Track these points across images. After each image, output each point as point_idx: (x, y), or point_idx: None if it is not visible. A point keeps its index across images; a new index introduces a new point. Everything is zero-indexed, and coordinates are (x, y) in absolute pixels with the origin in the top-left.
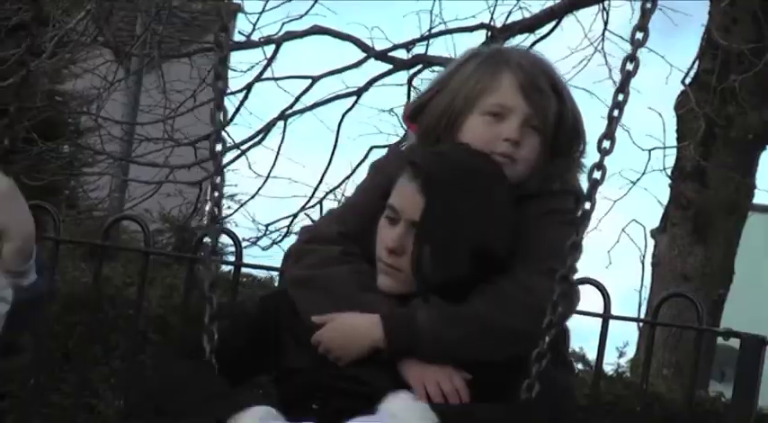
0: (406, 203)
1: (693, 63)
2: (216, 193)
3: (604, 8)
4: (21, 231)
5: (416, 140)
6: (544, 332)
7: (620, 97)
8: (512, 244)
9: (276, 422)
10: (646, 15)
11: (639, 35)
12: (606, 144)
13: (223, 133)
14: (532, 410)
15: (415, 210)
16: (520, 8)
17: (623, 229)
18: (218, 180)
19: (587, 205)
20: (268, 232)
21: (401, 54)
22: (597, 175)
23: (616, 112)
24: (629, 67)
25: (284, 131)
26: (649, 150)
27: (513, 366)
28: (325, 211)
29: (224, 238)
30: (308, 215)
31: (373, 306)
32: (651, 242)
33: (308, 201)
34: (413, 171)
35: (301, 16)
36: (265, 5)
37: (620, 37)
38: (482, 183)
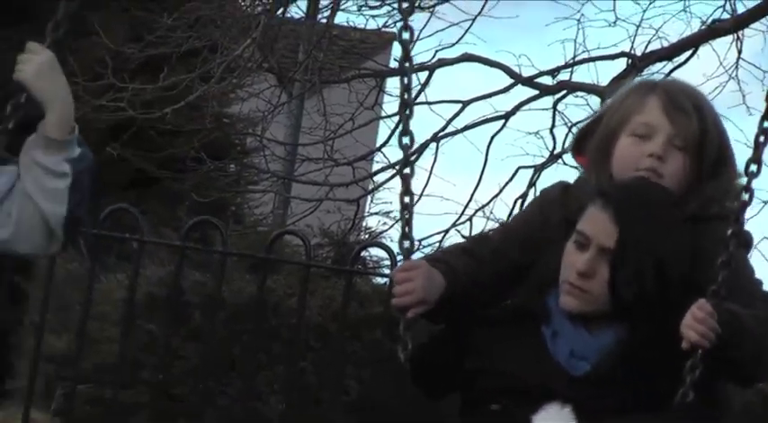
0: (598, 231)
1: None
2: (406, 213)
3: (738, 37)
4: (62, 100)
5: (586, 172)
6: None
7: (766, 124)
8: (689, 264)
9: None
10: None
11: None
12: (753, 167)
13: (393, 154)
14: (681, 419)
15: (608, 237)
16: (659, 37)
17: (755, 246)
18: (407, 199)
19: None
20: (421, 247)
21: (547, 80)
22: (745, 196)
23: (762, 138)
24: None
25: (436, 152)
26: None
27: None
28: (474, 228)
29: (381, 253)
30: (458, 231)
31: (555, 332)
32: None
33: (459, 217)
34: (604, 201)
35: (453, 44)
36: (419, 34)
37: (754, 65)
38: (665, 212)
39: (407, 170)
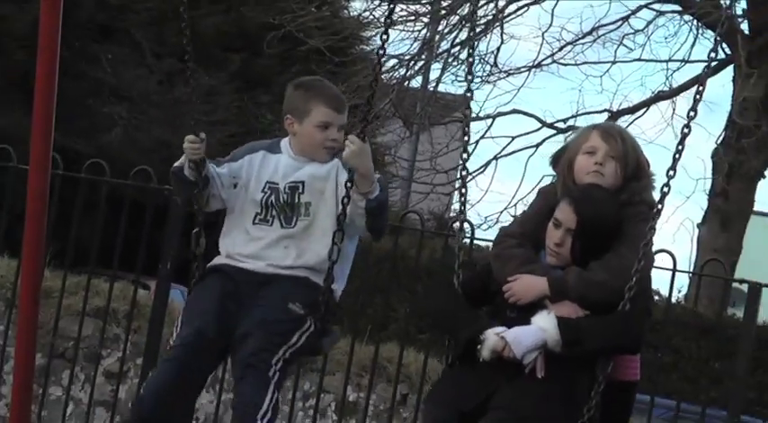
0: (566, 218)
1: (723, 131)
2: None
3: (673, 100)
4: (364, 168)
5: (558, 181)
6: (634, 276)
7: (680, 147)
8: (618, 234)
9: (502, 329)
10: (696, 104)
11: (692, 114)
12: (671, 173)
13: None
14: (618, 320)
15: (572, 222)
16: (626, 100)
17: (682, 223)
18: (461, 206)
19: (659, 208)
20: (485, 221)
21: (560, 124)
22: (666, 190)
23: (677, 156)
24: (686, 130)
25: (495, 166)
26: (697, 179)
27: (613, 306)
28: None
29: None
30: (509, 212)
31: (536, 272)
32: (696, 231)
33: (507, 206)
34: (569, 199)
35: (506, 103)
36: (487, 96)
37: (681, 117)
38: (607, 206)
39: (464, 189)
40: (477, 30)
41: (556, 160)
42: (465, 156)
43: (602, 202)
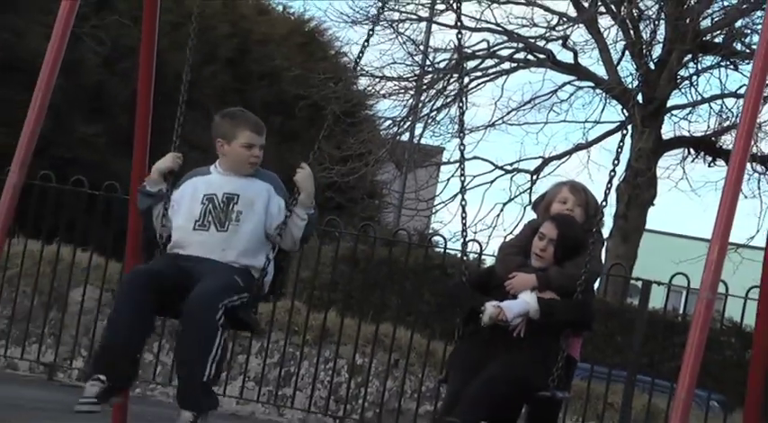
0: (549, 232)
1: (624, 172)
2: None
3: (589, 150)
4: (309, 189)
5: (538, 216)
6: (584, 278)
7: (609, 186)
8: (582, 247)
9: (497, 302)
10: (619, 156)
11: (615, 163)
12: (604, 203)
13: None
14: (578, 303)
15: (553, 234)
16: (554, 149)
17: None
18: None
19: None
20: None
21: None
22: (601, 216)
23: (607, 191)
24: (612, 174)
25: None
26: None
27: (577, 292)
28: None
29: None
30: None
31: (527, 271)
32: (605, 243)
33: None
34: (552, 220)
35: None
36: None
37: (594, 162)
38: (576, 227)
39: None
40: (448, 99)
41: (536, 205)
42: (462, 183)
43: (573, 223)
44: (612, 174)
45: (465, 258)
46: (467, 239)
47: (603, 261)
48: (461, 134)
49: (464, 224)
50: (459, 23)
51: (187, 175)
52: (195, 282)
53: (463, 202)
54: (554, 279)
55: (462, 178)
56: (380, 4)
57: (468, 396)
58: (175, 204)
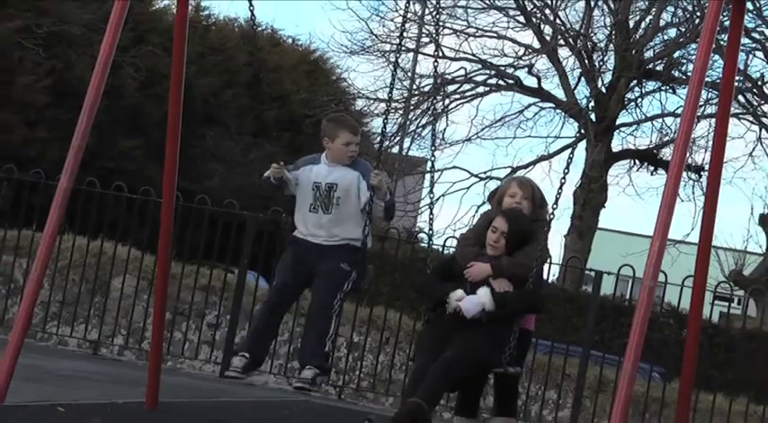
0: (501, 225)
1: (580, 179)
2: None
3: (550, 161)
4: (384, 186)
5: (492, 209)
6: (535, 269)
7: (560, 191)
8: (530, 237)
9: (461, 293)
10: (568, 166)
11: (566, 172)
12: (555, 206)
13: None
14: (528, 292)
15: (504, 228)
16: (521, 160)
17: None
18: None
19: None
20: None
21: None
22: (552, 217)
23: (557, 195)
24: (563, 181)
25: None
26: (565, 208)
27: (525, 281)
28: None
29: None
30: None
31: (483, 260)
32: (564, 240)
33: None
34: (503, 215)
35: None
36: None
37: (556, 171)
38: (524, 219)
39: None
40: (431, 118)
41: (490, 198)
42: (431, 196)
43: (521, 217)
44: (563, 181)
45: (429, 250)
46: (432, 236)
47: (562, 256)
48: (433, 148)
49: (431, 223)
50: (438, 53)
51: (303, 159)
52: (315, 273)
53: (431, 206)
54: (506, 267)
55: (431, 186)
56: (374, 36)
57: (430, 375)
58: (296, 180)
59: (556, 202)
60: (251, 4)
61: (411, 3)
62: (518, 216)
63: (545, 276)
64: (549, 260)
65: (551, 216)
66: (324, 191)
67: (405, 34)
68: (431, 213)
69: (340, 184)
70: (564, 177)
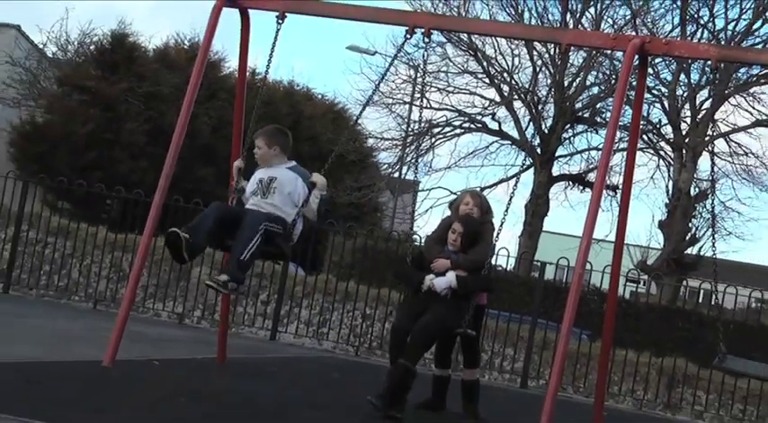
0: (458, 228)
1: (530, 196)
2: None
3: (508, 184)
4: (321, 181)
5: (452, 214)
6: (487, 262)
7: (509, 204)
8: (480, 237)
9: (432, 276)
10: (514, 191)
11: (514, 190)
12: (505, 213)
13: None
14: (483, 277)
15: (461, 230)
16: (485, 182)
17: (512, 235)
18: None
19: (498, 227)
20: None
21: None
22: (503, 221)
23: (508, 200)
24: (512, 195)
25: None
26: (519, 216)
27: (481, 271)
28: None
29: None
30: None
31: (447, 257)
32: (518, 239)
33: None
34: (460, 220)
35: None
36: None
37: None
38: (475, 224)
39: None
40: (422, 151)
41: (450, 205)
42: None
43: (473, 222)
44: (512, 195)
45: (411, 247)
46: (412, 235)
47: (517, 251)
48: (416, 175)
49: (411, 225)
50: (427, 105)
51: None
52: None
53: (414, 215)
54: (462, 262)
55: (414, 200)
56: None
57: (411, 339)
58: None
59: (506, 210)
60: (268, 66)
61: (407, 68)
62: (471, 221)
63: (505, 266)
64: (507, 253)
65: (503, 220)
66: (265, 182)
67: (402, 91)
68: (412, 219)
69: (279, 179)
70: (513, 193)
